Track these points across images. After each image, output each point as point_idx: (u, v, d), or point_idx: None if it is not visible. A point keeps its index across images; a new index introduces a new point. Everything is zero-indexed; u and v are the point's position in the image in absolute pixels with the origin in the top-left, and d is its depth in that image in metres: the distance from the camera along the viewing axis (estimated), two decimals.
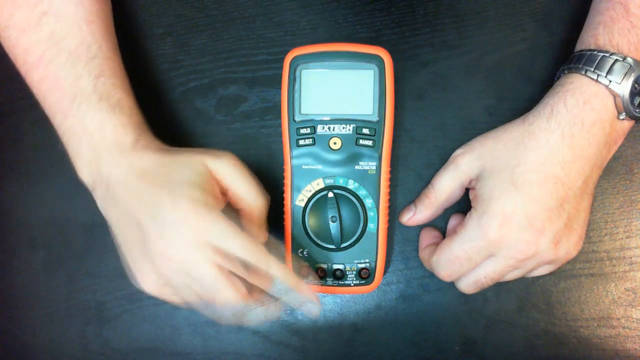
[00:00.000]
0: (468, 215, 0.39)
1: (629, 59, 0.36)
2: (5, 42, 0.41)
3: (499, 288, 0.44)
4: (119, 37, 0.43)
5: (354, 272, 0.42)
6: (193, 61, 0.47)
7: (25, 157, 0.48)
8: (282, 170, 0.42)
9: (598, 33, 0.38)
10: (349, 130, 0.40)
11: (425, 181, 0.44)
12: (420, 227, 0.45)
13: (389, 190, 0.42)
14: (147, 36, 0.47)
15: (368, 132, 0.40)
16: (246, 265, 0.36)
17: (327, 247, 0.41)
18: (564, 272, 0.45)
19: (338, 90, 0.41)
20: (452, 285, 0.42)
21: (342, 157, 0.41)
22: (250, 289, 0.37)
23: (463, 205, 0.43)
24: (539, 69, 0.45)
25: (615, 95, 0.36)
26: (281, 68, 0.41)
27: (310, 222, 0.41)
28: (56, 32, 0.39)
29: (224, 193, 0.39)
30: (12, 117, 0.48)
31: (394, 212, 0.45)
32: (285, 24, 0.46)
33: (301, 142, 0.41)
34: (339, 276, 0.42)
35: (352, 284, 0.42)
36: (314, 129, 0.41)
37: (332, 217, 0.41)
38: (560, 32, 0.45)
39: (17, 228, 0.48)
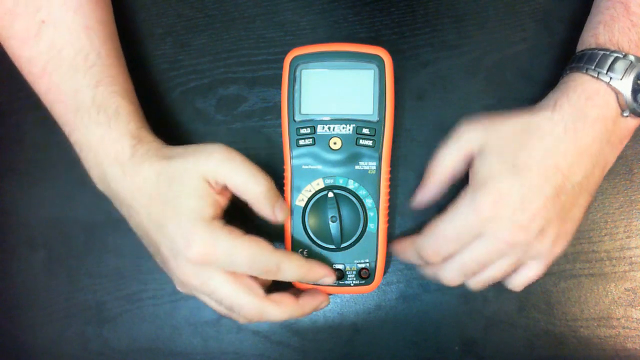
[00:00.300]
0: (462, 193, 0.39)
1: (630, 56, 0.36)
2: (9, 52, 0.41)
3: (499, 288, 0.44)
4: (119, 37, 0.43)
5: (354, 272, 0.42)
6: (193, 61, 0.47)
7: (25, 157, 0.48)
8: (282, 170, 0.42)
9: (598, 32, 0.38)
10: (349, 130, 0.40)
11: None
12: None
13: (389, 190, 0.42)
14: (147, 36, 0.47)
15: (368, 132, 0.40)
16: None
17: (327, 247, 0.41)
18: (564, 272, 0.45)
19: (338, 90, 0.41)
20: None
21: (342, 157, 0.41)
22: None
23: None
24: (539, 69, 0.45)
25: (617, 93, 0.37)
26: (281, 68, 0.41)
27: (310, 222, 0.41)
28: (55, 42, 0.39)
29: (225, 189, 0.38)
30: (13, 117, 0.48)
31: (394, 212, 0.45)
32: (285, 24, 0.46)
33: (301, 142, 0.41)
34: (338, 276, 0.42)
35: (352, 284, 0.42)
36: (314, 129, 0.41)
37: (332, 217, 0.41)
38: (560, 32, 0.45)
39: (17, 228, 0.48)
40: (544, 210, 0.37)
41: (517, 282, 0.40)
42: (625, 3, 0.38)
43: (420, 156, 0.45)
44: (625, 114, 0.37)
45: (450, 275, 0.39)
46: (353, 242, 0.41)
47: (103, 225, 0.47)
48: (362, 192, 0.41)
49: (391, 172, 0.42)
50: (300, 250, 0.42)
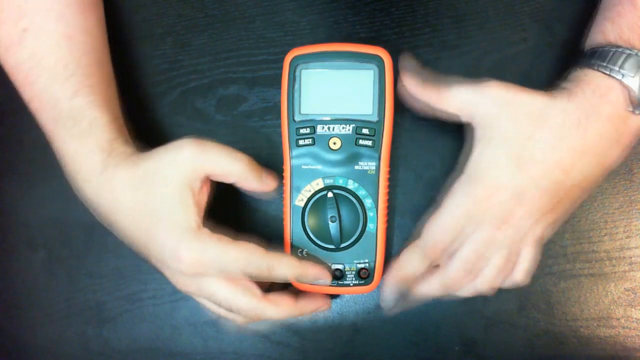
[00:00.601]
0: (455, 183, 0.38)
1: None
2: None
3: (499, 288, 0.44)
4: (119, 37, 0.43)
5: (354, 272, 0.42)
6: (193, 61, 0.47)
7: (25, 157, 0.48)
8: (282, 170, 0.42)
9: (606, 29, 0.38)
10: (349, 130, 0.40)
11: (425, 181, 0.44)
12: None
13: (388, 190, 0.42)
14: (147, 36, 0.47)
15: (368, 132, 0.40)
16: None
17: (326, 247, 0.41)
18: (564, 272, 0.45)
19: (338, 90, 0.41)
20: None
21: (341, 157, 0.41)
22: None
23: None
24: (539, 69, 0.45)
25: (629, 90, 0.36)
26: (281, 68, 0.41)
27: (310, 222, 0.41)
28: (36, 51, 0.39)
29: (205, 182, 0.38)
30: (12, 117, 0.48)
31: (393, 212, 0.45)
32: (285, 24, 0.46)
33: (301, 142, 0.41)
34: (338, 276, 0.42)
35: (351, 284, 0.42)
36: (313, 129, 0.41)
37: (331, 217, 0.41)
38: (560, 32, 0.45)
39: (17, 228, 0.48)
40: (540, 203, 0.37)
41: (522, 272, 0.39)
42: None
43: (420, 156, 0.45)
44: (637, 112, 0.37)
45: (456, 274, 0.38)
46: (352, 242, 0.41)
47: (103, 225, 0.47)
48: (361, 192, 0.41)
49: (391, 172, 0.42)
50: (299, 250, 0.42)
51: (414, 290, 0.40)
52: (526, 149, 0.37)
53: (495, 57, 0.45)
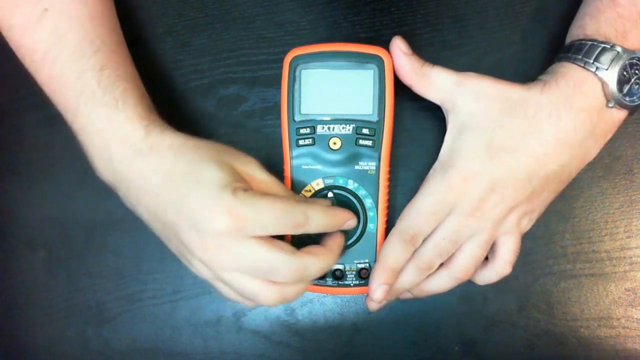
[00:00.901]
0: (431, 170, 0.40)
1: (617, 47, 0.37)
2: (11, 42, 0.41)
3: (499, 288, 0.44)
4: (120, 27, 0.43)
5: (354, 273, 0.42)
6: (193, 61, 0.47)
7: (25, 157, 0.48)
8: (282, 170, 0.42)
9: (585, 23, 0.39)
10: (349, 130, 0.40)
11: None
12: None
13: (388, 190, 0.42)
14: (147, 36, 0.47)
15: (368, 132, 0.40)
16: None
17: None
18: (564, 272, 0.45)
19: (338, 90, 0.41)
20: None
21: (341, 157, 0.41)
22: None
23: None
24: (539, 69, 0.44)
25: (603, 83, 0.37)
26: (281, 68, 0.41)
27: None
28: (59, 27, 0.38)
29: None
30: (13, 117, 0.48)
31: (393, 213, 0.44)
32: (285, 24, 0.46)
33: (301, 142, 0.41)
34: (338, 276, 0.42)
35: (351, 284, 0.42)
36: (313, 129, 0.41)
37: None
38: (560, 32, 0.45)
39: (17, 228, 0.48)
40: (513, 193, 0.38)
41: (501, 262, 0.40)
42: None
43: (420, 156, 0.45)
44: (610, 105, 0.37)
45: (427, 257, 0.39)
46: (353, 242, 0.41)
47: (103, 225, 0.47)
48: (361, 192, 0.41)
49: (391, 172, 0.42)
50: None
51: (396, 282, 0.40)
52: (497, 138, 0.37)
53: (495, 57, 0.45)
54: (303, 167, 0.41)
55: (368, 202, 0.41)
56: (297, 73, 0.41)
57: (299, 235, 0.37)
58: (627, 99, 0.37)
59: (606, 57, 0.37)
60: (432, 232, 0.39)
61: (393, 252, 0.39)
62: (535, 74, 0.40)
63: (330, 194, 0.41)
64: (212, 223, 0.33)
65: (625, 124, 0.40)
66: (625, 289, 0.45)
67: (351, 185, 0.41)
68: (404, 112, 0.45)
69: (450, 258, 0.40)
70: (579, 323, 0.45)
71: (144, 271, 0.47)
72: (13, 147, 0.48)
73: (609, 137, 0.39)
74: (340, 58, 0.40)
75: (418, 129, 0.45)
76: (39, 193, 0.47)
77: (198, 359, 0.47)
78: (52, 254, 0.47)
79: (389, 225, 0.43)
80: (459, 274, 0.40)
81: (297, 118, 0.41)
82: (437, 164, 0.40)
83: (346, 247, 0.41)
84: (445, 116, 0.41)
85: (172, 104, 0.46)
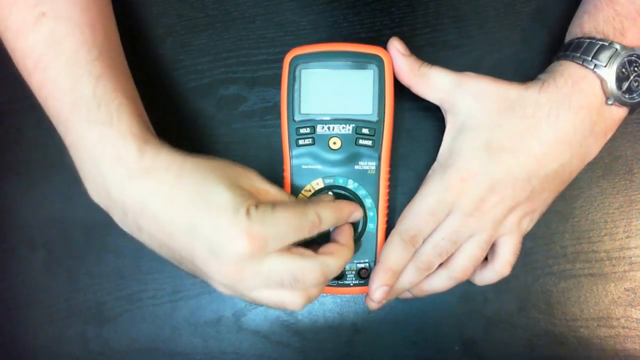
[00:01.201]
0: (430, 171, 0.40)
1: (615, 44, 0.37)
2: (6, 44, 0.39)
3: (499, 288, 0.44)
4: (120, 37, 0.43)
5: (354, 272, 0.42)
6: (193, 61, 0.47)
7: (25, 157, 0.48)
8: (282, 170, 0.42)
9: (583, 22, 0.39)
10: (349, 130, 0.40)
11: None
12: None
13: (388, 190, 0.42)
14: (147, 36, 0.47)
15: (368, 132, 0.40)
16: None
17: None
18: (564, 272, 0.45)
19: (338, 90, 0.41)
20: None
21: (341, 157, 0.41)
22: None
23: None
24: (539, 69, 0.44)
25: (601, 80, 0.37)
26: (281, 68, 0.41)
27: None
28: (56, 32, 0.37)
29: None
30: (12, 117, 0.48)
31: (393, 212, 0.44)
32: (285, 24, 0.46)
33: (301, 141, 0.41)
34: (338, 276, 0.42)
35: (351, 284, 0.42)
36: (313, 128, 0.41)
37: None
38: (560, 32, 0.45)
39: (17, 228, 0.48)
40: (513, 193, 0.38)
41: (501, 262, 0.40)
42: None
43: (420, 156, 0.45)
44: (609, 102, 0.37)
45: (426, 257, 0.39)
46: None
47: (103, 225, 0.47)
48: (361, 192, 0.41)
49: (391, 172, 0.42)
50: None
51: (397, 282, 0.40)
52: (496, 138, 0.38)
53: (495, 57, 0.45)
54: (303, 167, 0.41)
55: (368, 202, 0.41)
56: (297, 73, 0.41)
57: None
58: (627, 96, 0.37)
59: (604, 55, 0.37)
60: (431, 232, 0.39)
61: (393, 253, 0.39)
62: (535, 74, 0.41)
63: (330, 194, 0.41)
64: (233, 249, 0.32)
65: (625, 123, 0.40)
66: (624, 288, 0.45)
67: (351, 185, 0.41)
68: (404, 112, 0.45)
69: (449, 258, 0.40)
70: (578, 323, 0.45)
71: (144, 271, 0.47)
72: (13, 148, 0.48)
73: (609, 135, 0.39)
74: (340, 58, 0.40)
75: (418, 129, 0.45)
76: (39, 193, 0.47)
77: (198, 359, 0.47)
78: (52, 254, 0.47)
79: (389, 225, 0.43)
80: (457, 274, 0.40)
81: (297, 118, 0.41)
82: (436, 164, 0.40)
83: None
84: (444, 116, 0.41)
85: (172, 104, 0.46)
